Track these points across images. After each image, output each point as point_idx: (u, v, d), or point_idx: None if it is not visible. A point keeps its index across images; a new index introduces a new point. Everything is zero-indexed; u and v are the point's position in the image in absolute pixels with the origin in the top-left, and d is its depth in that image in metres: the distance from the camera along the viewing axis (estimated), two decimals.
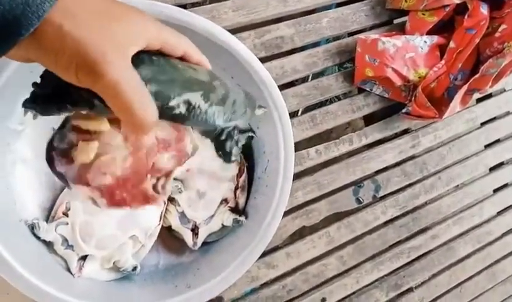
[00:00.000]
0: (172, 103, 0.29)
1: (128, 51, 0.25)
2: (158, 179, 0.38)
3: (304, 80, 0.65)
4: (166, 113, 0.29)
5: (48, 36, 0.23)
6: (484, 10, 0.65)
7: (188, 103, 0.31)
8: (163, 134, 0.38)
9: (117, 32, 0.24)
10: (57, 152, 0.33)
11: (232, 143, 0.39)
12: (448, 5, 0.65)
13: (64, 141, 0.33)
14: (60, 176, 0.33)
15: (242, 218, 0.53)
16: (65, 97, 0.27)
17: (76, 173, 0.33)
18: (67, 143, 0.33)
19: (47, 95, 0.27)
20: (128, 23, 0.26)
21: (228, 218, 0.53)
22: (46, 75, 0.27)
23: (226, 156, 0.39)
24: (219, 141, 0.38)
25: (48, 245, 0.47)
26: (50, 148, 0.33)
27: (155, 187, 0.38)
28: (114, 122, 0.33)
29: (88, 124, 0.33)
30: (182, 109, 0.30)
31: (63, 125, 0.33)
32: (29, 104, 0.28)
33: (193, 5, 0.56)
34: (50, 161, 0.33)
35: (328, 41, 0.66)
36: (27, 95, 0.28)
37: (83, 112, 0.29)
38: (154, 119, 0.27)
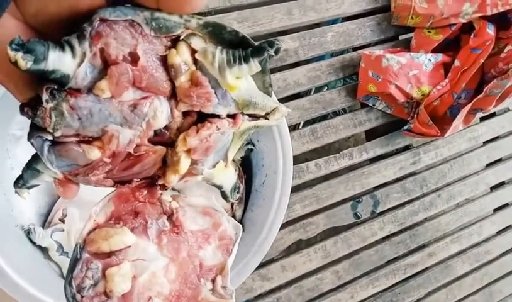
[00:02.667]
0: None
1: None
2: (213, 281, 0.33)
3: (306, 93, 0.65)
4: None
5: None
6: (490, 30, 0.64)
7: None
8: (197, 225, 0.34)
9: None
10: (86, 297, 0.27)
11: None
12: (454, 24, 0.65)
13: (87, 277, 0.28)
14: None
15: None
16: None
17: None
18: (92, 278, 0.28)
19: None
20: None
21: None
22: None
23: (224, 197, 0.37)
24: None
25: (43, 250, 0.47)
26: (73, 296, 0.27)
27: (214, 291, 0.33)
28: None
29: (109, 244, 0.28)
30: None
31: (75, 259, 0.28)
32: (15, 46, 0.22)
33: (199, 15, 0.56)
34: None
35: (332, 55, 0.65)
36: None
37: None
38: None
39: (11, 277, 0.43)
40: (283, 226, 0.57)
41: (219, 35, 0.25)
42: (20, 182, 0.27)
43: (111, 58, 0.23)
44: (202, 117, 0.27)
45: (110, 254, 0.29)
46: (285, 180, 0.52)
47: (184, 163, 0.27)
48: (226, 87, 0.26)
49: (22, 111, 0.24)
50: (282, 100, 0.61)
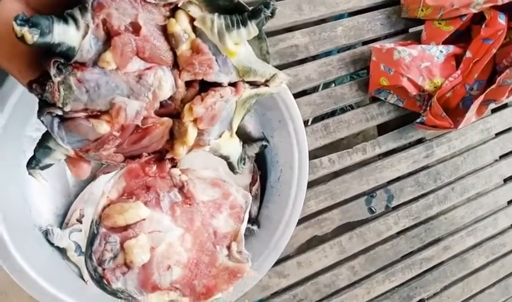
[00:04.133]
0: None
1: None
2: (229, 247, 0.34)
3: (316, 88, 0.65)
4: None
5: None
6: (502, 20, 0.64)
7: None
8: (207, 196, 0.34)
9: None
10: (108, 269, 0.28)
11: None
12: (465, 15, 0.65)
13: (106, 251, 0.28)
14: (122, 293, 0.28)
15: (254, 227, 0.53)
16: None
17: (138, 281, 0.29)
18: (111, 251, 0.28)
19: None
20: None
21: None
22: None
23: (232, 168, 0.37)
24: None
25: (62, 251, 0.47)
26: (94, 269, 0.28)
27: (231, 256, 0.34)
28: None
29: (124, 218, 0.29)
30: None
31: (93, 234, 0.28)
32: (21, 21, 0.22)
33: None
34: (102, 281, 0.28)
35: (338, 51, 0.65)
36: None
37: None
38: None
39: (31, 276, 0.43)
40: (298, 223, 0.56)
41: (215, 2, 0.26)
42: (33, 163, 0.27)
43: (114, 29, 0.24)
44: (205, 88, 0.27)
45: (126, 227, 0.29)
46: (301, 175, 0.51)
47: (192, 134, 0.28)
48: (226, 53, 0.26)
49: (30, 88, 0.24)
50: (294, 96, 0.61)
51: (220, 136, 0.30)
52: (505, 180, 0.78)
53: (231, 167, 0.34)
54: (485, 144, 0.75)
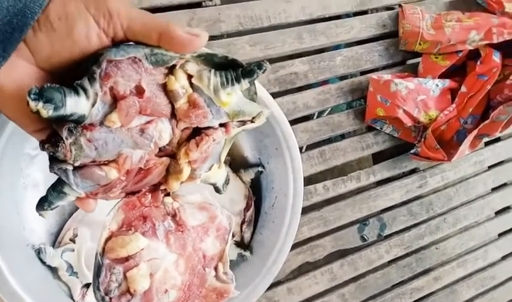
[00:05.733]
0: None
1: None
2: (216, 268, 0.37)
3: (314, 116, 0.66)
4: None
5: (53, 9, 0.24)
6: (497, 58, 0.65)
7: None
8: (196, 220, 0.37)
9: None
10: (114, 298, 0.31)
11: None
12: (461, 51, 0.66)
13: (112, 281, 0.31)
14: None
15: (247, 253, 0.53)
16: (77, 74, 0.25)
17: None
18: (116, 281, 0.31)
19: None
20: None
21: (232, 252, 0.53)
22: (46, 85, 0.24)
23: (217, 191, 0.40)
24: None
25: (53, 270, 0.47)
26: (102, 298, 0.31)
27: (218, 277, 0.37)
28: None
29: (127, 250, 0.32)
30: None
31: (99, 266, 0.31)
32: (34, 95, 0.23)
33: (212, 38, 0.57)
34: None
35: (339, 79, 0.66)
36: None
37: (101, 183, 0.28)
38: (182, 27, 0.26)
39: (21, 295, 0.43)
40: (290, 249, 0.57)
41: (211, 60, 0.29)
42: (45, 205, 0.29)
43: (120, 94, 0.26)
44: (198, 129, 0.30)
45: (128, 258, 0.32)
46: (295, 202, 0.52)
47: (186, 172, 0.31)
48: (220, 104, 0.29)
49: (43, 148, 0.26)
50: (291, 123, 0.62)
51: (210, 169, 0.33)
52: (497, 213, 0.79)
53: (216, 190, 0.38)
54: (478, 176, 0.76)
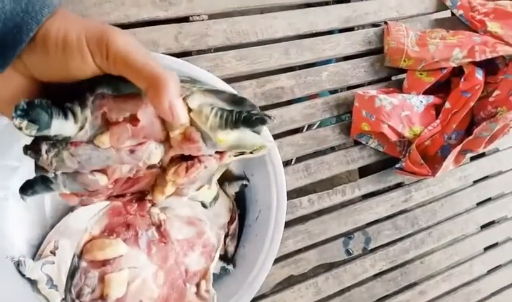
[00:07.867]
0: None
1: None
2: (198, 285, 0.36)
3: (304, 129, 0.67)
4: None
5: (52, 32, 0.23)
6: (479, 75, 0.67)
7: None
8: (182, 234, 0.37)
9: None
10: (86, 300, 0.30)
11: None
12: (445, 68, 0.68)
13: (86, 285, 0.30)
14: None
15: (230, 267, 0.53)
16: (65, 97, 0.25)
17: None
18: (89, 286, 0.30)
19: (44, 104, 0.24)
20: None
21: (216, 266, 0.53)
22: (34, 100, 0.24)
23: (204, 207, 0.39)
24: None
25: (33, 283, 0.46)
26: (72, 301, 0.30)
27: (198, 294, 0.36)
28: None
29: (104, 253, 0.31)
30: None
31: (74, 268, 0.30)
32: (20, 112, 0.23)
33: (198, 52, 0.58)
34: None
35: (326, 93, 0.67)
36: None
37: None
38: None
39: None
40: (274, 262, 0.57)
41: (217, 95, 0.28)
42: (29, 192, 0.29)
43: (113, 121, 0.25)
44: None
45: (105, 263, 0.31)
46: (278, 216, 0.52)
47: (170, 189, 0.30)
48: (216, 140, 0.28)
49: (25, 152, 0.25)
50: (276, 136, 0.62)
51: (199, 189, 0.32)
52: (482, 227, 0.80)
53: (203, 205, 0.37)
54: (463, 191, 0.77)
